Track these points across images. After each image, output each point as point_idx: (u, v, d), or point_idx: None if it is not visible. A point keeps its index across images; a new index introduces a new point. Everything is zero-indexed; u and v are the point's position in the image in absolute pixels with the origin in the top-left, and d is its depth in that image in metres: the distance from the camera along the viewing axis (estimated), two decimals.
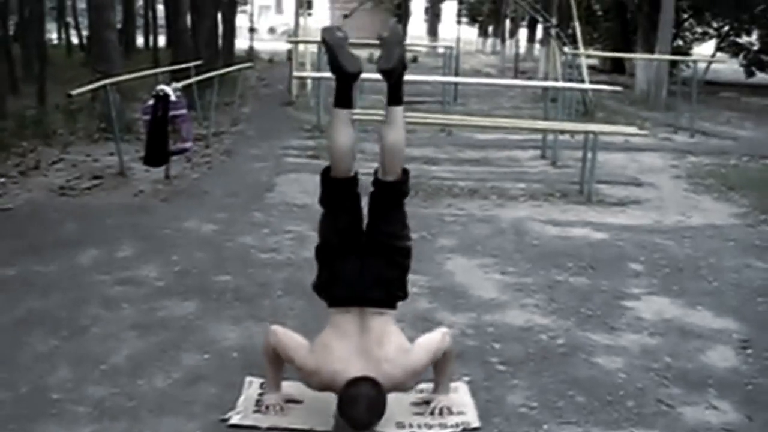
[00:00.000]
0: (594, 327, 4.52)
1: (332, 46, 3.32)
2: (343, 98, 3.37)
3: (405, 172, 3.41)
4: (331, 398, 3.48)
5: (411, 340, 3.38)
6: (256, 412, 3.41)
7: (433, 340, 3.42)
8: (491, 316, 4.63)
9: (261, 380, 3.61)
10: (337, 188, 3.38)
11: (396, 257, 3.39)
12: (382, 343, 3.23)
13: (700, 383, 3.85)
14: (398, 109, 3.39)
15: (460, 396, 3.59)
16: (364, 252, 3.33)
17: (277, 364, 3.46)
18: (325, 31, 3.40)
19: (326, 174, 3.40)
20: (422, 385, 3.60)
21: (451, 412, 3.43)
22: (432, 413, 3.42)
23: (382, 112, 3.79)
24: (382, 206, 3.39)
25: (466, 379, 3.77)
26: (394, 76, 3.37)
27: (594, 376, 3.89)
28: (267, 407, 3.41)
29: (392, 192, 3.39)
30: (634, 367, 4.01)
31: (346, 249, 3.35)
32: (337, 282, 3.34)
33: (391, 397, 3.56)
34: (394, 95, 3.40)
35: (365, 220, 3.41)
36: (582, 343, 4.28)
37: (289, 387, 3.53)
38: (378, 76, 3.40)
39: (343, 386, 3.09)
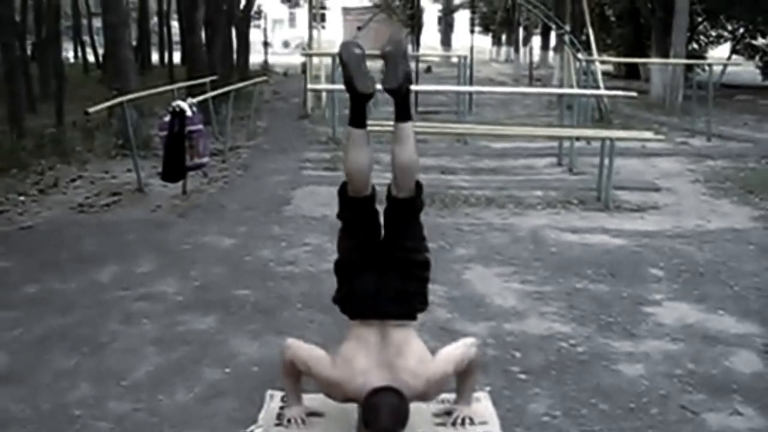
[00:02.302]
0: (615, 334, 4.49)
1: (347, 64, 3.25)
2: (358, 117, 3.31)
3: (418, 186, 3.36)
4: (352, 411, 3.48)
5: (433, 350, 3.37)
6: (277, 425, 3.40)
7: (457, 350, 3.40)
8: (511, 325, 4.61)
9: (282, 393, 3.60)
10: (354, 206, 3.36)
11: (415, 270, 3.37)
12: (402, 354, 3.22)
13: (724, 389, 3.81)
14: (407, 126, 3.33)
15: (482, 406, 3.57)
16: (383, 267, 3.31)
17: (296, 378, 3.44)
18: (343, 47, 3.33)
19: (343, 191, 3.38)
20: (444, 396, 3.59)
21: (473, 422, 3.41)
22: (454, 423, 3.40)
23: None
24: (398, 222, 3.36)
25: (488, 388, 3.76)
26: (401, 93, 3.30)
27: (616, 384, 3.86)
28: (289, 421, 3.40)
29: (407, 208, 3.36)
30: (656, 373, 3.98)
31: (365, 264, 3.33)
32: (356, 297, 3.33)
33: (413, 407, 3.55)
34: (402, 112, 3.32)
35: (382, 234, 3.39)
36: (603, 351, 4.26)
37: (311, 400, 3.53)
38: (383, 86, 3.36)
39: (365, 396, 3.08)
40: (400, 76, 3.26)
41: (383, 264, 3.32)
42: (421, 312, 3.43)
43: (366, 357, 3.21)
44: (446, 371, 3.31)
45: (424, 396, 3.26)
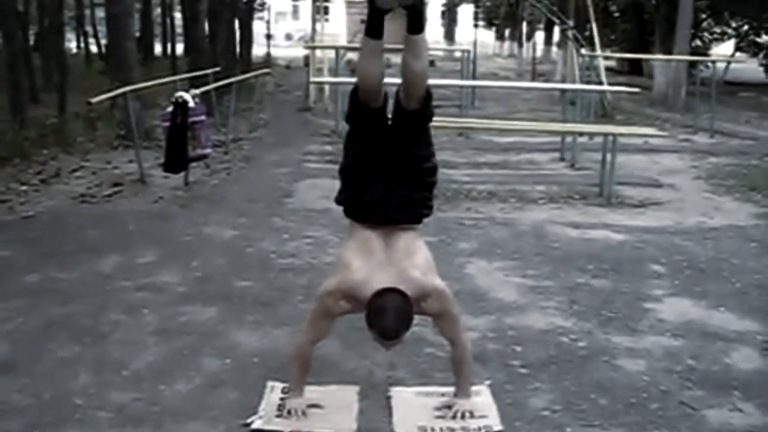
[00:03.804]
0: (616, 329, 4.49)
1: None
2: (374, 28, 3.29)
3: (428, 94, 3.35)
4: (353, 403, 3.48)
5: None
6: (278, 416, 3.41)
7: (456, 306, 3.45)
8: (512, 319, 4.61)
9: (283, 385, 3.61)
10: (364, 115, 3.35)
11: (423, 177, 3.39)
12: (410, 254, 3.27)
13: (724, 385, 3.81)
14: (419, 37, 3.30)
15: (482, 399, 3.58)
16: (390, 175, 3.31)
17: (304, 368, 3.46)
18: None
19: (355, 95, 3.35)
20: (444, 389, 3.60)
21: (473, 416, 3.42)
22: (454, 417, 3.41)
23: None
24: (408, 133, 3.36)
25: (488, 382, 3.76)
26: (416, 8, 3.28)
27: (616, 379, 3.86)
28: (289, 411, 3.41)
29: (417, 119, 3.36)
30: (656, 369, 3.98)
31: (372, 172, 3.34)
32: (363, 203, 3.36)
33: (414, 402, 3.56)
34: (416, 24, 3.30)
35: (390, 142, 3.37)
36: (604, 346, 4.26)
37: (312, 392, 3.53)
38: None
39: (370, 297, 3.10)
40: None
41: (391, 172, 3.32)
42: (427, 216, 3.46)
43: (369, 257, 3.25)
44: (450, 296, 3.35)
45: (426, 298, 3.25)
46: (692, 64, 16.93)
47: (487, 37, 42.35)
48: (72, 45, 29.62)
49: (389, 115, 3.39)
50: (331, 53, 14.99)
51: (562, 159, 10.14)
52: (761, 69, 23.79)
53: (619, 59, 26.39)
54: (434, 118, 3.45)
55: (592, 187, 8.23)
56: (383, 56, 3.37)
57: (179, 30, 28.36)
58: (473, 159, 10.17)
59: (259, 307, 4.74)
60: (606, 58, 19.32)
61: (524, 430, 3.37)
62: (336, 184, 3.52)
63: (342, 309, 3.31)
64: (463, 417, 3.40)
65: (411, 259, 3.27)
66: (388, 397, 3.59)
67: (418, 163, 3.36)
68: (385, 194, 3.30)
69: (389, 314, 3.05)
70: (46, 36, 18.27)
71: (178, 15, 30.31)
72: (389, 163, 3.32)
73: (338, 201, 3.50)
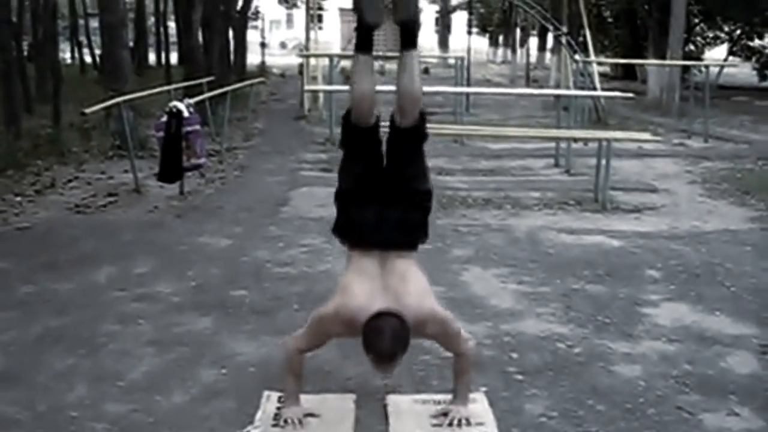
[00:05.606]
0: (612, 335, 4.50)
1: None
2: (364, 43, 3.33)
3: (422, 115, 3.38)
4: (350, 411, 3.48)
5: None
6: (274, 426, 3.40)
7: (455, 323, 3.42)
8: (508, 326, 4.61)
9: (279, 394, 3.60)
10: (358, 135, 3.36)
11: (417, 199, 3.39)
12: (405, 280, 3.24)
13: (721, 390, 3.81)
14: (413, 53, 3.34)
15: (479, 406, 3.57)
16: (385, 196, 3.32)
17: (298, 376, 3.45)
18: None
19: (347, 118, 3.37)
20: (440, 397, 3.60)
21: (469, 423, 3.41)
22: (451, 424, 3.40)
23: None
24: (402, 151, 3.37)
25: (484, 389, 3.75)
26: (410, 25, 3.32)
27: (613, 384, 3.86)
28: (286, 421, 3.40)
29: (411, 137, 3.37)
30: (653, 374, 3.99)
31: (366, 194, 3.34)
32: (358, 227, 3.34)
33: (410, 409, 3.56)
34: (409, 40, 3.33)
35: (384, 164, 3.39)
36: (600, 351, 4.26)
37: (308, 401, 3.53)
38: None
39: (366, 320, 3.08)
40: (411, 8, 3.31)
41: (386, 193, 3.33)
42: (422, 243, 3.45)
43: (367, 283, 3.23)
44: (443, 315, 3.32)
45: (423, 324, 3.23)
46: (686, 69, 16.97)
47: (480, 43, 42.38)
48: (66, 55, 29.60)
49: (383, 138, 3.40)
50: (325, 61, 15.00)
51: (556, 165, 10.15)
52: (754, 73, 23.86)
53: (612, 64, 26.46)
54: (429, 126, 3.46)
55: (587, 192, 8.24)
56: (374, 71, 3.40)
57: (173, 39, 28.41)
58: (468, 166, 10.18)
59: (254, 317, 4.74)
60: (600, 63, 19.36)
61: None
62: (331, 193, 3.52)
63: (339, 333, 3.31)
64: (459, 424, 3.39)
65: (406, 286, 3.24)
66: (385, 406, 3.59)
67: (412, 185, 3.37)
68: (381, 215, 3.30)
69: (386, 336, 3.02)
70: (40, 46, 18.22)
71: (172, 24, 30.36)
72: (384, 184, 3.33)
73: (335, 228, 3.48)
